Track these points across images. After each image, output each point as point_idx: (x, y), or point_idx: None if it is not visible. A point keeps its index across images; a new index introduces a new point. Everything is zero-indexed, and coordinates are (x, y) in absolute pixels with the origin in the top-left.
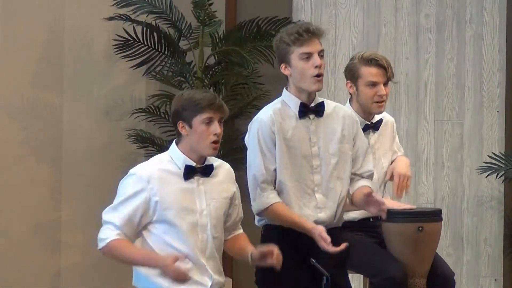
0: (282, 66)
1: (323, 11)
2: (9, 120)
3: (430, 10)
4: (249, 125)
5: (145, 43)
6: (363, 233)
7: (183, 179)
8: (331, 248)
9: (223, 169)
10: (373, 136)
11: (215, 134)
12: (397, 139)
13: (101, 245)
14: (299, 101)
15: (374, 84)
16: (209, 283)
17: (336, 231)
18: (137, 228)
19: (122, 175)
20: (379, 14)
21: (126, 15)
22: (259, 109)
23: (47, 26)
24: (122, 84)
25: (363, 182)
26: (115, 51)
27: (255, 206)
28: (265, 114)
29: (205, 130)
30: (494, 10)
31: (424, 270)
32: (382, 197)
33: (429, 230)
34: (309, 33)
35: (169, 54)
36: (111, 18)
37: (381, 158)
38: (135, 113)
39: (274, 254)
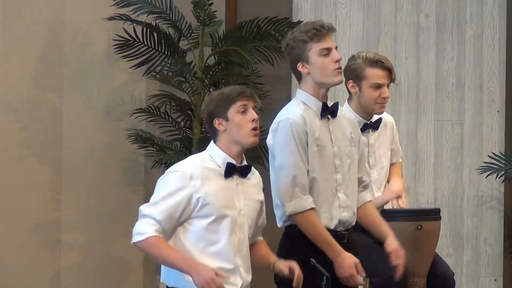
0: (299, 65)
1: (323, 11)
2: (9, 120)
3: (430, 10)
4: (275, 126)
5: (145, 43)
6: (363, 233)
7: (224, 177)
8: (358, 282)
9: (256, 174)
10: (373, 135)
11: (253, 120)
12: (397, 138)
13: (138, 238)
14: (320, 102)
15: (379, 86)
16: (240, 283)
17: (351, 232)
18: (175, 224)
19: (122, 175)
20: (379, 14)
21: (126, 15)
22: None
23: (47, 26)
24: (122, 84)
25: (366, 196)
26: (115, 51)
27: (290, 208)
28: (295, 114)
29: (242, 118)
30: (494, 10)
31: (423, 270)
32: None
33: (428, 229)
34: (325, 29)
35: (169, 54)
36: (111, 18)
37: (381, 157)
38: (135, 113)
39: (296, 274)
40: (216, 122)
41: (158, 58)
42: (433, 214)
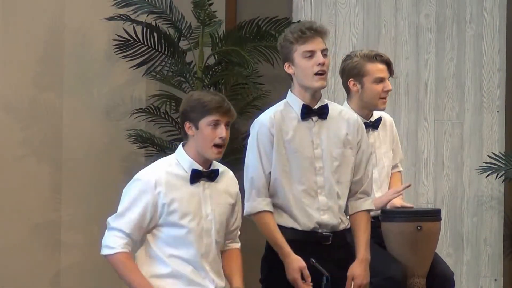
0: (286, 65)
1: (323, 11)
2: (9, 120)
3: (430, 10)
4: (251, 126)
5: (145, 43)
6: None
7: (189, 183)
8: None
9: (228, 175)
10: (372, 135)
11: (220, 137)
12: (397, 139)
13: (107, 252)
14: (301, 103)
15: (381, 80)
16: (211, 287)
17: (341, 234)
18: (144, 232)
19: (122, 175)
20: (379, 14)
21: (126, 15)
22: (259, 109)
23: (47, 26)
24: (122, 84)
25: (362, 205)
26: (115, 51)
27: (246, 208)
28: (265, 116)
29: (210, 133)
30: (494, 10)
31: (423, 270)
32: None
33: (428, 230)
34: (311, 31)
35: (169, 54)
36: (111, 18)
37: (382, 156)
38: (135, 113)
39: None
40: (186, 125)
41: (158, 58)
42: (433, 215)
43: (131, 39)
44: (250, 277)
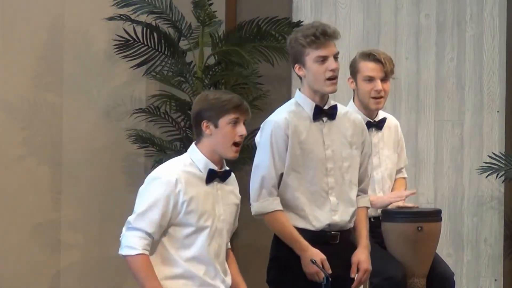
0: (296, 66)
1: (323, 11)
2: (9, 120)
3: (430, 10)
4: (261, 125)
5: (145, 43)
6: None
7: (205, 182)
8: (320, 278)
9: (232, 176)
10: (376, 135)
11: (241, 135)
12: (403, 143)
13: (128, 252)
14: (313, 104)
15: (370, 79)
16: (222, 287)
17: (348, 233)
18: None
19: (122, 175)
20: (379, 14)
21: (126, 15)
22: (259, 109)
23: (47, 26)
24: (122, 84)
25: (362, 202)
26: (115, 51)
27: (256, 208)
28: (280, 117)
29: (231, 130)
30: (494, 10)
31: (423, 270)
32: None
33: (429, 230)
34: (326, 36)
35: (169, 54)
36: (111, 18)
37: (385, 158)
38: (135, 113)
39: None
40: (204, 124)
41: (158, 58)
42: (434, 216)
43: (131, 39)
44: (255, 278)
